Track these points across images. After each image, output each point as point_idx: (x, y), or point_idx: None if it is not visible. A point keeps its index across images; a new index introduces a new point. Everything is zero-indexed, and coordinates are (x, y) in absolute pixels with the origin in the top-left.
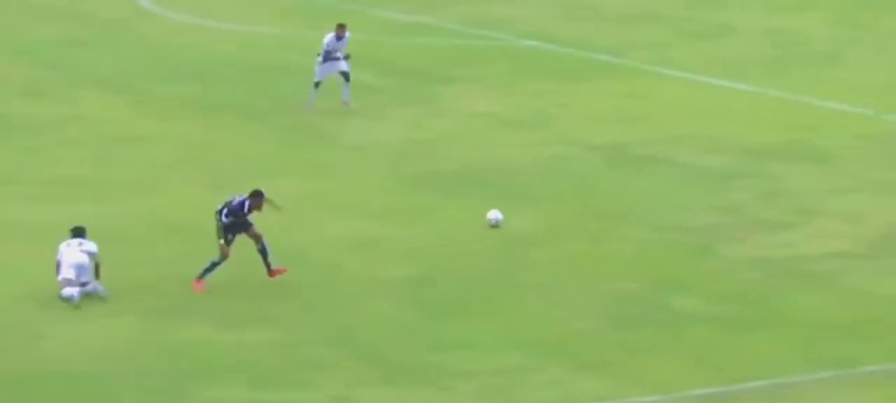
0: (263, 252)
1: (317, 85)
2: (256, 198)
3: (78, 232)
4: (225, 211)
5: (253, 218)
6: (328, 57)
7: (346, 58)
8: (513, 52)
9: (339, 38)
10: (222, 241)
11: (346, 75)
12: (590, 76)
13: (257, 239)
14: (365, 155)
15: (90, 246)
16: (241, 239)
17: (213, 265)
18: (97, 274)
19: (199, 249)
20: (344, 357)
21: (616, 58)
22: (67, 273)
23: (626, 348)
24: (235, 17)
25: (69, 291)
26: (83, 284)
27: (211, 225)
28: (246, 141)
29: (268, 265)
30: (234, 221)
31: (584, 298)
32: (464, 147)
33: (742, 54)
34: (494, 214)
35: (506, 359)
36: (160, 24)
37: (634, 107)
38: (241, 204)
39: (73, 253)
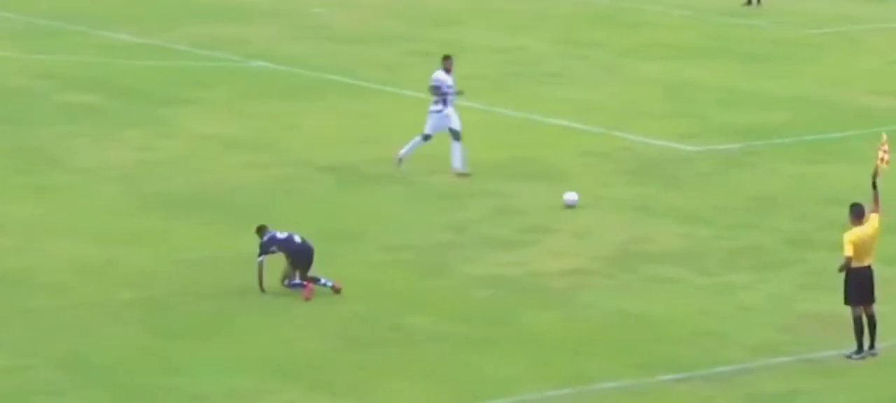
0: None
1: (425, 138)
2: None
3: None
4: None
5: None
6: (441, 99)
7: (459, 94)
8: (241, 72)
9: (447, 70)
10: None
11: (456, 135)
12: (320, 96)
13: None
14: (94, 177)
15: None
16: None
17: None
18: None
19: None
20: (76, 382)
21: (346, 78)
22: None
23: (359, 369)
24: None
25: None
26: None
27: None
28: None
29: None
30: None
31: (316, 319)
32: (193, 169)
33: (471, 72)
34: (570, 196)
35: (240, 381)
36: None
37: (365, 127)
38: None
39: None
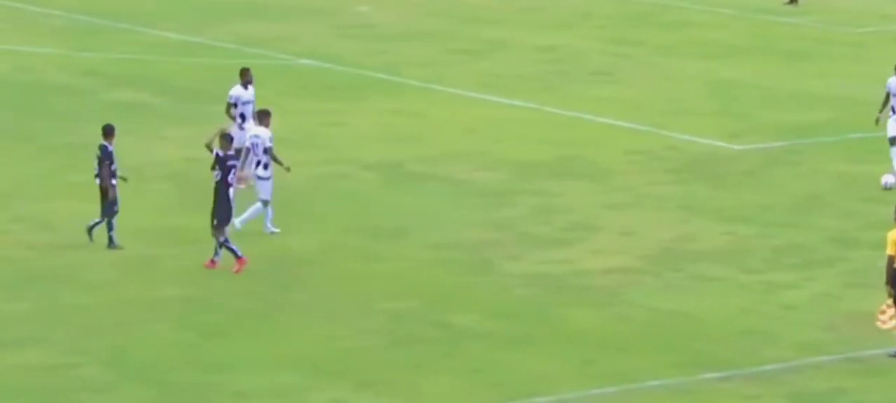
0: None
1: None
2: None
3: None
4: None
5: None
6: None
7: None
8: (287, 70)
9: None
10: None
11: None
12: (364, 94)
13: None
14: (139, 175)
15: None
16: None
17: None
18: None
19: None
20: (121, 378)
21: (390, 76)
22: None
23: (404, 366)
24: (9, 38)
25: None
26: None
27: None
28: (21, 162)
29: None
30: None
31: (361, 317)
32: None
33: (515, 71)
34: (890, 178)
35: (284, 379)
36: None
37: (409, 124)
38: None
39: None
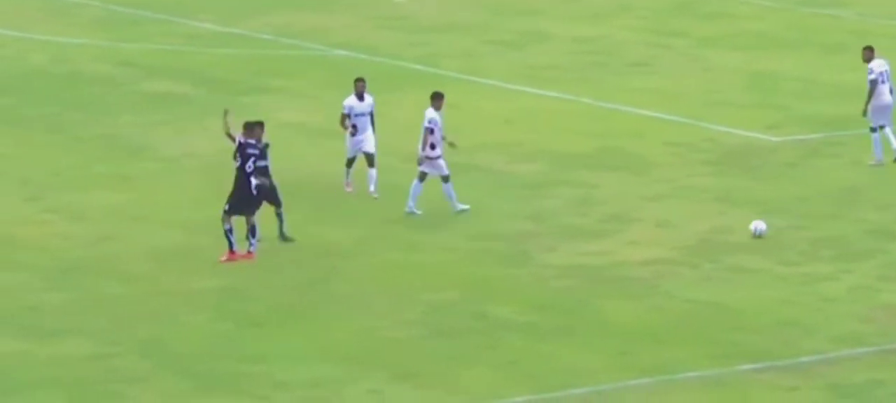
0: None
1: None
2: None
3: None
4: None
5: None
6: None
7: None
8: (324, 61)
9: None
10: None
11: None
12: (401, 85)
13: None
14: (176, 166)
15: None
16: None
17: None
18: None
19: (11, 262)
20: (158, 369)
21: (427, 67)
22: None
23: (442, 357)
24: (46, 28)
25: None
26: None
27: (23, 236)
28: (59, 152)
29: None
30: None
31: (399, 308)
32: (276, 157)
33: (553, 62)
34: (758, 225)
35: (322, 370)
36: None
37: (446, 116)
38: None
39: None
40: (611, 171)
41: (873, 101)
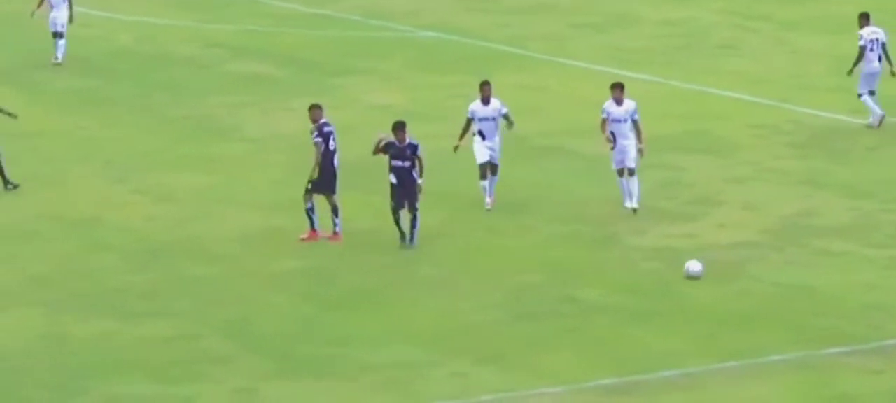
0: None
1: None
2: None
3: None
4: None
5: None
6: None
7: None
8: (412, 43)
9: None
10: None
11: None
12: (488, 67)
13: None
14: (262, 147)
15: None
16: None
17: None
18: None
19: (98, 243)
20: (241, 350)
21: (515, 49)
22: None
23: (526, 340)
24: (132, 9)
25: None
26: None
27: (110, 217)
28: (144, 134)
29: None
30: None
31: (483, 291)
32: (362, 139)
33: (640, 45)
34: (694, 266)
35: (406, 353)
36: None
37: (533, 98)
38: None
39: None
40: (697, 154)
41: (862, 68)
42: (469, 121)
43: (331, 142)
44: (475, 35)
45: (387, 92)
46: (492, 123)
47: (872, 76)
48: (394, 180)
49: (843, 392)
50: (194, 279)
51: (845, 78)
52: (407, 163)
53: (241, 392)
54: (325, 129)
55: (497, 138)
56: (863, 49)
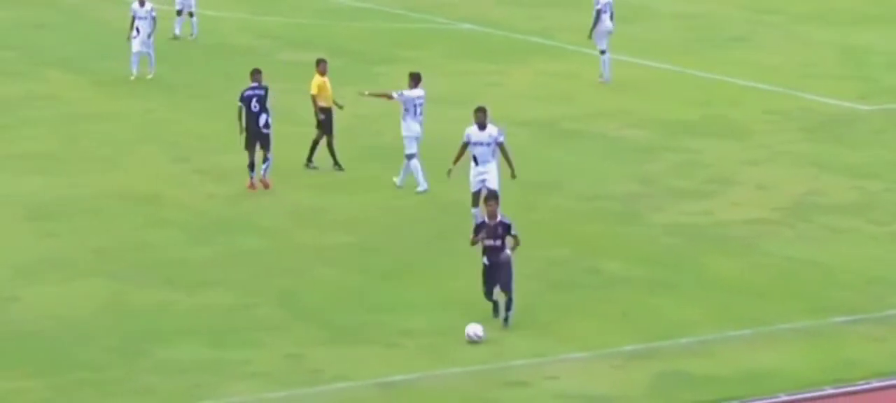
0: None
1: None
2: None
3: None
4: None
5: None
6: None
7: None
8: (449, 34)
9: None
10: None
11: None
12: (521, 57)
13: None
14: (312, 130)
15: None
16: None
17: None
18: None
19: (159, 219)
20: (292, 318)
21: (546, 40)
22: None
23: (557, 308)
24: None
25: None
26: None
27: (171, 195)
28: (203, 117)
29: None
30: None
31: (517, 263)
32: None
33: (661, 37)
34: (474, 329)
35: (446, 320)
36: (120, 8)
37: (562, 85)
38: None
39: None
40: (713, 138)
41: (597, 27)
42: (465, 146)
43: (252, 105)
44: (509, 27)
45: (426, 79)
46: (487, 149)
47: (606, 34)
48: (486, 262)
49: (848, 358)
50: (249, 252)
51: (852, 67)
52: (497, 243)
53: (291, 357)
54: (246, 93)
55: (492, 163)
56: (599, 12)
